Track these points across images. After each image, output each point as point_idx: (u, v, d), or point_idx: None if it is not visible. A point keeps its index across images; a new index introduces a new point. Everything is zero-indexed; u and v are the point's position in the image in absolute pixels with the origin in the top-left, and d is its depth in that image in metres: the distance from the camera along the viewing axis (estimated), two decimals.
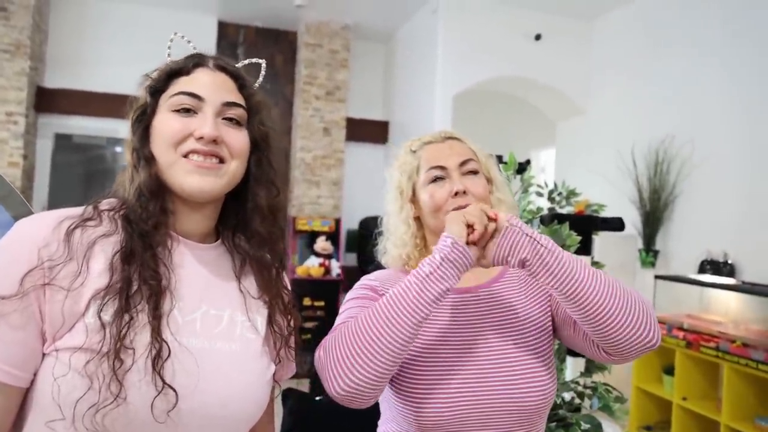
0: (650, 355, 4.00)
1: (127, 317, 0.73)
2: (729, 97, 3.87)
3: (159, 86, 0.86)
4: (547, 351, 1.13)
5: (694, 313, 3.78)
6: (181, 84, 0.85)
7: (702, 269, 3.87)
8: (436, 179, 1.17)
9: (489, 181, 1.21)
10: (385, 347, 0.92)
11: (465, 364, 1.08)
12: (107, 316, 0.72)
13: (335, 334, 0.99)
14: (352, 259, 5.93)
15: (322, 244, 5.50)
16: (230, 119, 0.86)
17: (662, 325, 3.83)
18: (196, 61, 0.87)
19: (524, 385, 1.07)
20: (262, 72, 0.99)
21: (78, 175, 5.60)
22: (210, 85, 0.85)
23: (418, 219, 1.21)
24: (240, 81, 0.90)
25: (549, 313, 1.17)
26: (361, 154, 6.22)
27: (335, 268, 5.43)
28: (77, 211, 0.81)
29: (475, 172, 1.17)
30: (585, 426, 1.95)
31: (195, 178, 0.82)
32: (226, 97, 0.86)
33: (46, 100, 5.31)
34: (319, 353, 0.99)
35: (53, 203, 5.24)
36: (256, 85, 0.96)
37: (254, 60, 0.99)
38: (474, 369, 1.08)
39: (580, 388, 2.19)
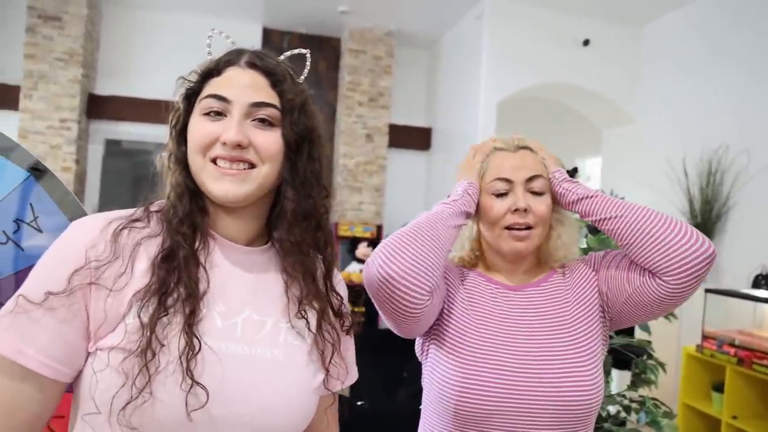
0: (699, 372, 3.88)
1: (162, 317, 0.73)
2: None
3: (195, 88, 0.85)
4: (596, 353, 1.11)
5: (747, 329, 3.64)
6: (212, 86, 0.83)
7: (756, 284, 3.73)
8: (499, 194, 1.15)
9: (554, 200, 1.19)
10: (429, 242, 1.04)
11: (512, 355, 1.08)
12: (145, 316, 0.72)
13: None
14: None
15: (363, 250, 5.52)
16: (262, 120, 0.82)
17: (712, 341, 3.70)
18: (227, 60, 0.85)
19: (570, 384, 1.05)
20: (307, 64, 0.94)
21: (127, 179, 5.78)
22: (239, 86, 0.82)
23: (478, 224, 1.22)
24: (273, 78, 0.84)
25: (599, 312, 1.15)
26: (404, 161, 6.23)
27: None
28: (128, 212, 0.82)
29: (540, 193, 1.15)
30: None
31: (221, 185, 0.80)
32: (255, 97, 0.82)
33: (97, 107, 5.50)
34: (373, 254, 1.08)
35: (103, 206, 5.42)
36: (301, 78, 0.91)
37: (298, 50, 0.95)
38: (520, 362, 1.07)
39: (626, 402, 2.14)
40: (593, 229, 2.15)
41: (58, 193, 1.25)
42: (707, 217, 4.16)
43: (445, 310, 1.16)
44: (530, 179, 1.15)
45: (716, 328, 3.76)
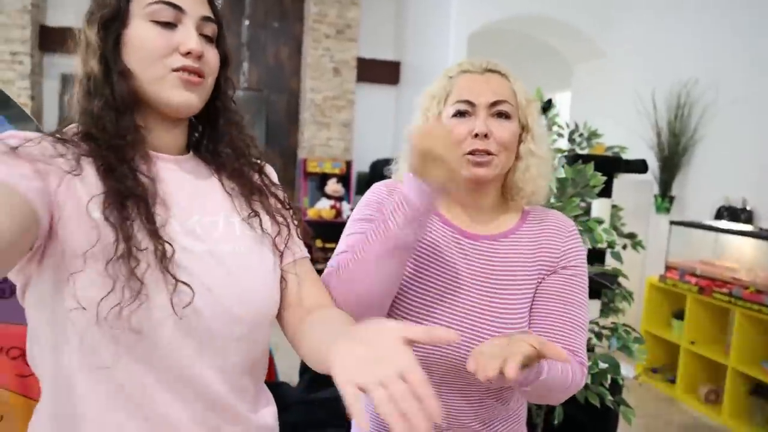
0: (660, 300, 4.03)
1: (127, 221, 0.72)
2: (757, 41, 3.74)
3: None
4: (524, 316, 1.09)
5: (708, 260, 3.77)
6: None
7: (719, 216, 3.84)
8: (460, 113, 1.08)
9: (524, 128, 1.12)
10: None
11: (447, 309, 1.07)
12: (113, 218, 0.71)
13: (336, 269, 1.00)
14: None
15: (332, 186, 5.48)
16: (205, 36, 0.83)
17: (674, 271, 3.83)
18: None
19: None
20: None
21: None
22: None
23: None
24: None
25: (536, 285, 1.11)
26: (372, 96, 6.11)
27: (346, 210, 5.44)
28: (49, 134, 0.79)
29: (506, 116, 1.07)
30: (603, 365, 1.96)
31: (183, 93, 0.80)
32: (204, 11, 0.83)
33: (51, 39, 5.20)
34: (329, 275, 1.01)
35: None
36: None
37: None
38: (454, 315, 1.06)
39: (597, 329, 2.20)
40: (571, 160, 2.15)
41: (20, 120, 1.19)
42: (674, 151, 4.22)
43: None
44: (494, 104, 1.07)
45: (680, 258, 3.89)
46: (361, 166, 5.91)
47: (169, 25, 0.79)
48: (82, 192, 0.73)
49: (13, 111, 1.21)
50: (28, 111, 4.59)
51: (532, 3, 4.89)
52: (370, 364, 0.59)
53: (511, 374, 0.76)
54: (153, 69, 0.79)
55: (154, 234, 0.74)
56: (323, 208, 5.38)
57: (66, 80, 5.36)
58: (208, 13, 0.83)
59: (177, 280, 0.73)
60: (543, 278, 1.11)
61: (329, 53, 5.74)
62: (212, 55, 0.84)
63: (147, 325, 0.72)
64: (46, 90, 5.33)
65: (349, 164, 5.64)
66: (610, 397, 1.97)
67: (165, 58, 0.79)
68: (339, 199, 5.48)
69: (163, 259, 0.73)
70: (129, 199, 0.74)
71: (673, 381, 3.84)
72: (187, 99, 0.81)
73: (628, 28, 4.89)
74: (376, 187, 1.18)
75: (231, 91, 0.92)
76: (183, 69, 0.79)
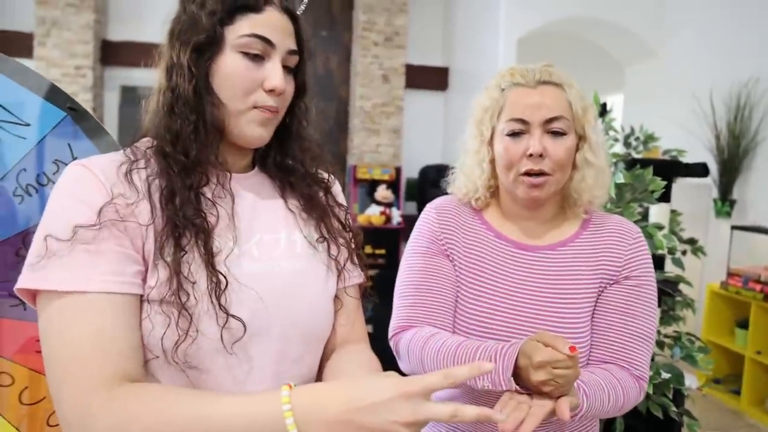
0: (722, 308, 3.90)
1: (183, 255, 0.72)
2: None
3: (225, 17, 0.79)
4: (587, 331, 1.08)
5: None
6: (253, 23, 0.79)
7: None
8: (514, 134, 1.06)
9: (581, 138, 1.10)
10: None
11: (504, 321, 1.08)
12: (167, 255, 0.72)
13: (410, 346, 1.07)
14: (412, 208, 5.93)
15: (382, 192, 5.52)
16: (288, 68, 0.83)
17: (737, 278, 3.70)
18: None
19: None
20: (303, 6, 0.91)
21: None
22: (279, 30, 0.81)
23: (493, 162, 1.13)
24: (297, 25, 0.86)
25: (597, 292, 1.09)
26: (421, 102, 6.13)
27: (396, 216, 5.46)
28: (120, 154, 0.78)
29: (561, 134, 1.05)
30: (665, 375, 1.92)
31: (258, 129, 0.81)
32: (291, 44, 0.83)
33: (111, 53, 5.41)
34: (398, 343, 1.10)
35: None
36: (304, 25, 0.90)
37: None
38: (512, 327, 1.07)
39: (658, 338, 2.15)
40: (629, 164, 2.12)
41: (96, 133, 1.24)
42: (734, 153, 4.08)
43: (456, 268, 1.14)
44: (549, 121, 1.04)
45: (742, 264, 3.75)
46: (411, 172, 5.93)
47: (258, 58, 0.80)
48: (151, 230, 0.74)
49: (89, 124, 1.27)
50: None
51: (581, 4, 4.82)
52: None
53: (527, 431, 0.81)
54: (238, 103, 0.80)
55: (210, 265, 0.74)
56: (373, 214, 5.42)
57: (126, 92, 5.58)
58: (294, 46, 0.84)
59: (228, 315, 0.73)
60: (605, 288, 1.09)
61: (378, 60, 5.79)
62: (290, 88, 0.85)
63: (199, 360, 0.73)
64: (107, 102, 5.53)
65: (398, 170, 5.67)
66: (673, 408, 1.93)
67: (249, 93, 0.80)
68: (389, 205, 5.51)
69: (215, 292, 0.73)
70: (186, 229, 0.74)
71: (737, 392, 3.70)
72: (261, 135, 0.82)
73: (681, 26, 4.75)
74: (427, 213, 1.20)
75: (306, 121, 0.92)
76: (266, 107, 0.80)
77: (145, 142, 0.81)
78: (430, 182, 5.43)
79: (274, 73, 0.80)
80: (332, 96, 6.05)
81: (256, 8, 0.80)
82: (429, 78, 6.15)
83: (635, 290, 1.08)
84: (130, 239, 0.72)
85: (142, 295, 0.72)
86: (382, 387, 0.63)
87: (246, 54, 0.79)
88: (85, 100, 5.18)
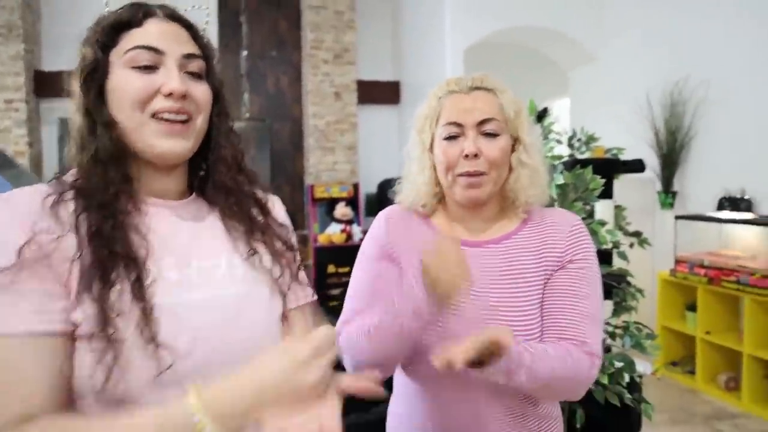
0: (673, 294, 4.09)
1: (109, 290, 0.70)
2: (743, 35, 3.84)
3: (107, 41, 0.79)
4: (537, 317, 1.12)
5: (715, 250, 3.84)
6: (135, 37, 0.78)
7: (720, 207, 3.91)
8: (450, 137, 1.12)
9: (516, 140, 1.15)
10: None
11: (459, 314, 1.10)
12: (95, 290, 0.70)
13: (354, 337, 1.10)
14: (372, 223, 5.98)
15: (341, 210, 5.53)
16: (191, 73, 0.82)
17: (684, 264, 3.90)
18: (145, 11, 0.81)
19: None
20: (207, 17, 0.92)
21: None
22: (167, 37, 0.79)
23: (435, 168, 1.18)
24: (193, 30, 0.85)
25: (544, 281, 1.14)
26: (375, 117, 6.22)
27: (357, 233, 5.48)
28: (46, 186, 0.76)
29: (494, 135, 1.11)
30: (618, 364, 2.03)
31: (167, 141, 0.78)
32: (186, 49, 0.81)
33: (47, 84, 5.08)
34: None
35: None
36: (202, 31, 0.89)
37: (198, 6, 0.93)
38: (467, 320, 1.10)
39: (610, 329, 2.28)
40: (570, 165, 2.25)
41: (5, 166, 1.22)
42: (672, 148, 4.31)
43: (404, 270, 1.17)
44: (482, 122, 1.10)
45: (687, 251, 3.96)
46: (369, 187, 6.00)
47: (150, 69, 0.78)
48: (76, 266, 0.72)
49: (14, 171, 1.26)
50: (26, 158, 4.46)
51: (524, 14, 4.99)
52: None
53: (457, 363, 0.87)
54: (134, 116, 0.77)
55: (139, 296, 0.72)
56: (334, 232, 5.44)
57: (65, 125, 5.30)
58: (192, 50, 0.82)
59: (157, 345, 0.71)
60: (551, 275, 1.14)
61: (329, 78, 5.86)
62: (201, 92, 0.82)
63: (131, 393, 0.71)
64: (45, 136, 5.25)
65: (356, 187, 5.71)
66: (628, 395, 2.03)
67: (147, 103, 0.78)
68: (349, 222, 5.52)
69: (143, 321, 0.71)
70: (114, 262, 0.72)
71: (692, 372, 3.89)
72: (171, 147, 0.79)
73: (618, 32, 5.00)
74: (376, 221, 1.26)
75: (225, 126, 0.90)
76: (163, 111, 0.78)
77: (72, 174, 0.79)
78: (389, 197, 5.48)
79: (168, 76, 0.78)
80: (285, 116, 6.09)
81: (135, 23, 0.80)
82: (381, 93, 6.26)
83: (579, 272, 1.13)
84: (56, 274, 0.69)
85: (72, 332, 0.70)
86: (276, 357, 0.67)
87: (136, 68, 0.78)
88: (19, 135, 4.87)
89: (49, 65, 5.26)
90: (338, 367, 0.83)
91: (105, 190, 0.75)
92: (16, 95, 4.92)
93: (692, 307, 3.90)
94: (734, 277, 3.51)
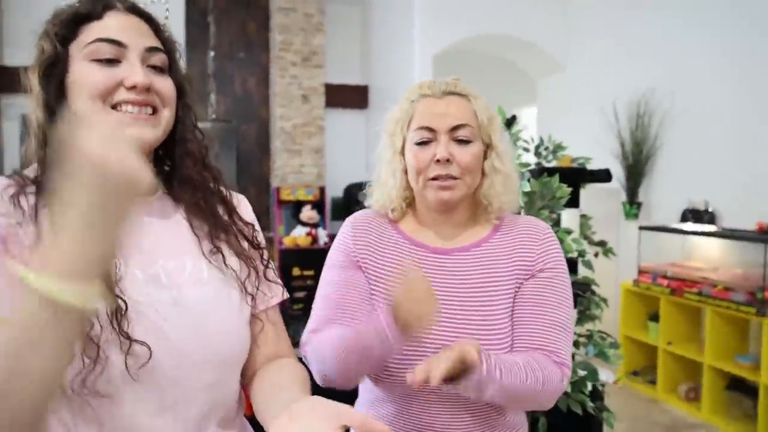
0: (636, 304, 4.12)
1: None
2: (708, 47, 3.90)
3: (66, 34, 0.77)
4: (507, 327, 1.10)
5: (678, 261, 3.88)
6: (95, 30, 0.77)
7: (684, 218, 3.96)
8: (422, 142, 1.11)
9: (488, 146, 1.14)
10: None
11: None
12: None
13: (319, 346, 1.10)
14: (338, 227, 5.85)
15: (307, 213, 5.49)
16: (154, 66, 0.81)
17: (647, 275, 3.93)
18: (105, 3, 0.79)
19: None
20: (167, 11, 0.91)
21: None
22: (128, 30, 0.78)
23: (406, 172, 1.16)
24: (154, 24, 0.84)
25: (515, 289, 1.13)
26: (342, 121, 6.16)
27: (322, 236, 5.44)
28: (5, 179, 0.75)
29: (466, 141, 1.10)
30: (581, 372, 2.01)
31: (132, 130, 0.77)
32: (148, 42, 0.80)
33: (9, 80, 5.01)
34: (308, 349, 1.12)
35: None
36: (162, 25, 0.88)
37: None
38: (436, 329, 1.07)
39: (574, 337, 2.26)
40: (537, 173, 2.22)
41: None
42: (637, 158, 4.35)
43: (371, 281, 1.16)
44: (455, 128, 1.09)
45: (650, 262, 3.99)
46: (335, 191, 5.94)
47: (112, 62, 0.77)
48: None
49: None
50: None
51: (493, 22, 5.02)
52: None
53: (433, 380, 0.86)
54: (94, 108, 0.76)
55: (109, 290, 0.69)
56: (299, 235, 5.38)
57: (26, 121, 5.22)
58: (154, 43, 0.81)
59: (131, 340, 0.70)
60: (521, 284, 1.13)
61: (297, 80, 5.79)
62: (165, 86, 0.81)
63: (107, 388, 0.70)
64: (6, 131, 5.17)
65: (322, 190, 5.66)
66: (590, 404, 2.02)
67: (110, 95, 0.77)
68: (314, 225, 5.48)
69: (116, 317, 0.70)
70: None
71: (653, 382, 3.92)
72: (139, 134, 0.77)
73: (585, 42, 5.05)
74: (343, 228, 1.23)
75: (189, 121, 0.89)
76: (126, 102, 0.77)
77: (34, 169, 0.77)
78: (356, 200, 5.41)
79: (131, 70, 0.77)
80: (252, 117, 5.99)
81: (95, 16, 0.78)
82: (349, 96, 6.21)
83: (549, 281, 1.12)
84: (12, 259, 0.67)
85: None
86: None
87: (97, 61, 0.76)
88: None
89: (10, 60, 5.16)
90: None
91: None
92: None
93: (655, 318, 3.93)
94: (696, 288, 3.54)
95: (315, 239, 5.40)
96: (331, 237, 5.52)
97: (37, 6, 4.42)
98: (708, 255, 3.76)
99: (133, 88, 0.76)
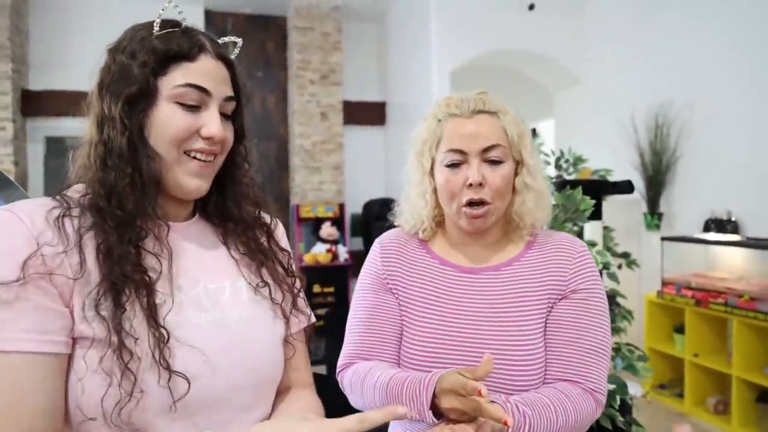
0: (660, 316, 4.08)
1: (122, 312, 0.70)
2: (726, 57, 3.89)
3: (157, 68, 0.78)
4: (540, 347, 1.08)
5: (701, 272, 3.84)
6: (187, 73, 0.78)
7: (707, 228, 3.92)
8: (453, 164, 1.09)
9: (519, 163, 1.12)
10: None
11: (455, 344, 1.08)
12: (105, 311, 0.69)
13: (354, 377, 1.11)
14: (358, 243, 5.95)
15: (327, 230, 5.51)
16: (224, 114, 0.83)
17: (671, 286, 3.89)
18: (199, 45, 0.81)
19: (511, 374, 1.05)
20: (236, 51, 0.92)
21: None
22: (215, 78, 0.80)
23: (436, 192, 1.15)
24: (232, 71, 0.86)
25: (547, 309, 1.10)
26: (361, 137, 6.21)
27: (342, 253, 5.45)
28: (51, 200, 0.75)
29: (498, 162, 1.08)
30: (611, 386, 2.00)
31: (195, 180, 0.80)
32: (227, 91, 0.83)
33: (33, 103, 5.17)
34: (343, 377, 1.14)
35: None
36: (239, 71, 0.90)
37: (232, 39, 0.93)
38: (463, 350, 1.07)
39: None
40: (559, 186, 2.23)
41: (4, 186, 1.20)
42: (657, 169, 4.33)
43: (401, 301, 1.16)
44: (486, 149, 1.07)
45: (673, 273, 3.96)
46: (355, 207, 5.98)
47: (194, 108, 0.79)
48: (86, 283, 0.70)
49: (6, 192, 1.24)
50: (12, 177, 4.44)
51: (509, 37, 5.04)
52: None
53: None
54: (171, 152, 0.78)
55: (152, 320, 0.71)
56: (319, 252, 5.40)
57: (51, 143, 5.35)
58: (230, 92, 0.83)
59: (171, 372, 0.70)
60: (554, 304, 1.09)
61: (315, 98, 5.86)
62: (229, 135, 0.84)
63: (144, 419, 0.70)
64: (31, 154, 5.28)
65: (342, 207, 5.69)
66: (620, 418, 2.00)
67: (185, 142, 0.79)
68: (334, 242, 5.50)
69: (158, 347, 0.70)
70: (126, 285, 0.71)
71: (681, 395, 3.86)
72: (198, 186, 0.81)
73: (601, 55, 5.06)
74: (372, 250, 1.23)
75: (246, 165, 0.91)
76: (196, 151, 0.79)
77: (77, 191, 0.78)
78: (375, 216, 5.48)
79: (211, 122, 0.79)
80: (271, 135, 6.06)
81: (189, 57, 0.79)
82: (367, 113, 6.26)
83: (583, 303, 1.08)
84: (58, 292, 0.68)
85: (70, 353, 0.69)
86: (303, 429, 0.66)
87: (182, 104, 0.78)
88: (5, 154, 4.92)
89: (36, 85, 5.30)
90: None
91: (136, 215, 0.75)
92: (3, 114, 4.96)
93: (680, 329, 3.88)
94: (722, 299, 3.50)
95: (335, 256, 5.42)
96: (351, 253, 5.56)
97: (63, 33, 4.56)
98: (732, 265, 3.71)
99: (208, 138, 0.79)
